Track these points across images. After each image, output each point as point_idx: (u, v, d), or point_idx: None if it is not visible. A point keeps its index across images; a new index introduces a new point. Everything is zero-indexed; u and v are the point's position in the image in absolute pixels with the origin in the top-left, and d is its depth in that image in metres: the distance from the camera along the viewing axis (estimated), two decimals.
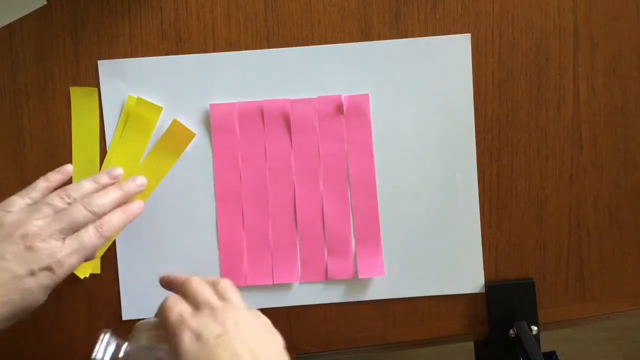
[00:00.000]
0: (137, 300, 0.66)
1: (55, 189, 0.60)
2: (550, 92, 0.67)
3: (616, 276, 0.68)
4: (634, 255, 0.68)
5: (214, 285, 0.53)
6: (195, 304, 0.51)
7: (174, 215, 0.66)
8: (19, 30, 0.66)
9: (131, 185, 0.63)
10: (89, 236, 0.57)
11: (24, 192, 0.59)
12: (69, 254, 0.56)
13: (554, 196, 0.67)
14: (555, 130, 0.67)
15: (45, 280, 0.55)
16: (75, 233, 0.57)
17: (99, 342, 0.54)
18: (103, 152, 0.66)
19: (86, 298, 0.66)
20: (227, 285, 0.53)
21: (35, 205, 0.58)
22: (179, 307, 0.50)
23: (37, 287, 0.54)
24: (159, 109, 0.66)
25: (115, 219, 0.60)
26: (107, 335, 0.54)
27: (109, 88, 0.66)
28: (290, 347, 0.67)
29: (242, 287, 0.66)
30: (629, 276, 0.68)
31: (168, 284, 0.55)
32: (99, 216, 0.59)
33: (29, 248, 0.54)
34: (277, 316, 0.67)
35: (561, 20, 0.66)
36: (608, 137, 0.67)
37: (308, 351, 0.67)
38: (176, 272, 0.56)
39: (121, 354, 0.53)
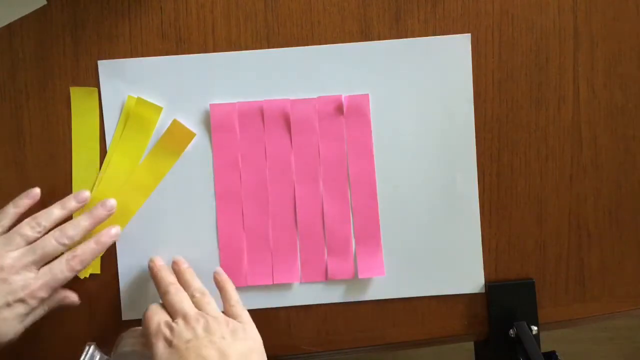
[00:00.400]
0: (137, 300, 0.66)
1: (25, 213, 0.62)
2: (550, 92, 0.67)
3: (616, 276, 0.68)
4: (634, 255, 0.68)
5: (191, 291, 0.59)
6: (173, 313, 0.56)
7: (174, 215, 0.66)
8: (19, 30, 0.66)
9: (101, 211, 0.63)
10: (61, 270, 0.60)
11: None
12: (41, 286, 0.59)
13: (554, 196, 0.67)
14: (555, 130, 0.67)
15: (20, 310, 0.58)
16: (48, 265, 0.60)
17: (83, 354, 0.58)
18: (103, 152, 0.66)
19: (86, 298, 0.66)
20: (202, 292, 0.59)
21: (7, 236, 0.60)
22: (157, 316, 0.56)
23: (12, 317, 0.58)
24: (159, 109, 0.66)
25: (88, 251, 0.62)
26: (92, 348, 0.59)
27: (109, 88, 0.66)
28: (290, 347, 0.68)
29: (242, 287, 0.66)
30: (629, 276, 0.68)
31: (153, 279, 0.61)
32: (69, 247, 0.61)
33: (4, 281, 0.57)
34: (277, 316, 0.67)
35: (561, 20, 0.66)
36: (608, 137, 0.67)
37: (308, 351, 0.67)
38: (163, 268, 0.62)
39: None
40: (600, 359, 1.41)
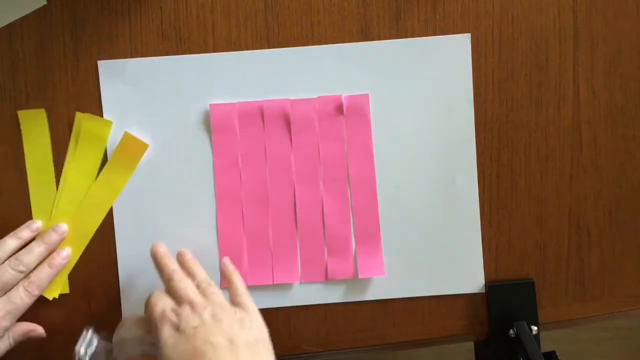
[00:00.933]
0: (137, 300, 0.66)
1: None
2: (550, 92, 0.67)
3: (616, 276, 0.68)
4: (634, 255, 0.68)
5: (197, 281, 0.58)
6: (178, 299, 0.55)
7: (174, 215, 0.66)
8: (19, 30, 0.66)
9: (53, 237, 0.64)
10: (20, 297, 0.61)
11: None
12: (2, 317, 0.60)
13: (554, 196, 0.67)
14: (555, 130, 0.67)
15: None
16: (6, 294, 0.61)
17: (82, 338, 0.58)
18: (58, 172, 0.66)
19: (86, 298, 0.66)
20: (208, 283, 0.57)
21: None
22: (162, 302, 0.55)
23: None
24: (109, 123, 0.66)
25: (43, 275, 0.63)
26: (90, 332, 0.59)
27: (109, 88, 0.66)
28: (290, 347, 0.68)
29: None
30: (629, 276, 0.68)
31: (156, 266, 0.60)
32: (26, 274, 0.63)
33: None
34: (277, 316, 0.67)
35: (561, 20, 0.66)
36: (608, 137, 0.67)
37: (308, 351, 0.67)
38: (166, 255, 0.61)
39: (102, 348, 0.57)
40: (600, 359, 1.41)
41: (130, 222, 0.66)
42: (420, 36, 0.66)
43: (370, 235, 0.66)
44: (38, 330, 0.65)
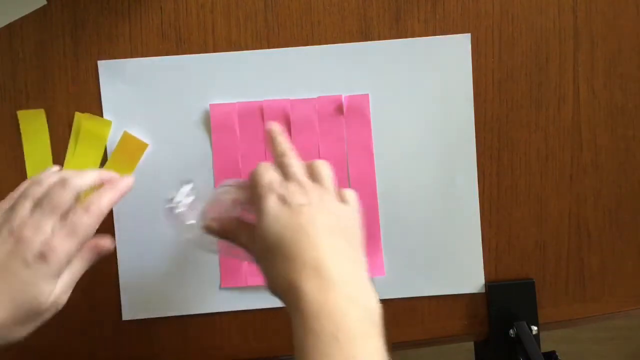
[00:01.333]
0: (137, 300, 0.66)
1: None
2: (550, 92, 0.67)
3: (616, 276, 0.68)
4: (634, 255, 0.68)
5: (308, 167, 0.56)
6: (286, 175, 0.54)
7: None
8: (19, 30, 0.66)
9: (116, 178, 0.58)
10: (78, 217, 0.53)
11: (3, 200, 0.57)
12: (61, 239, 0.52)
13: (554, 196, 0.67)
14: (555, 130, 0.67)
15: (42, 269, 0.51)
16: (63, 217, 0.53)
17: (178, 191, 0.57)
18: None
19: (86, 298, 0.66)
20: (321, 166, 0.56)
21: (13, 204, 0.55)
22: (270, 174, 0.54)
23: (35, 278, 0.51)
24: (108, 123, 0.66)
25: (103, 196, 0.55)
26: (189, 186, 0.58)
27: (109, 88, 0.66)
28: (290, 347, 0.67)
29: (242, 287, 0.66)
30: (629, 276, 0.68)
31: (271, 140, 0.59)
32: (79, 196, 0.55)
33: (18, 240, 0.52)
34: (277, 316, 0.67)
35: (561, 20, 0.66)
36: (608, 137, 0.67)
37: None
38: (282, 133, 0.59)
39: (202, 204, 0.56)
40: (600, 359, 1.41)
41: (130, 222, 0.66)
42: (420, 36, 0.66)
43: (370, 235, 0.66)
44: (105, 242, 0.57)
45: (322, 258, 0.48)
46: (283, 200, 0.51)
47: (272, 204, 0.51)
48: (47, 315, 0.53)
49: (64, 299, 0.54)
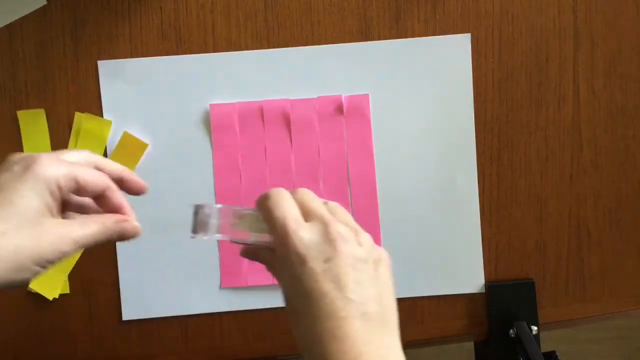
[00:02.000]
0: (137, 300, 0.66)
1: None
2: (550, 92, 0.67)
3: (616, 276, 0.68)
4: (634, 255, 0.68)
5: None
6: (304, 209, 0.44)
7: (174, 215, 0.66)
8: (19, 30, 0.66)
9: (134, 178, 0.51)
10: (77, 152, 0.47)
11: None
12: (48, 157, 0.45)
13: (554, 196, 0.67)
14: (555, 130, 0.67)
15: (24, 176, 0.43)
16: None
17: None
18: None
19: (86, 298, 0.66)
20: (336, 205, 0.47)
21: None
22: (286, 206, 0.44)
23: (13, 182, 0.43)
24: (108, 123, 0.66)
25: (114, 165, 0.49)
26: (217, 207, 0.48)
27: (109, 88, 0.66)
28: (290, 347, 0.67)
29: (242, 287, 0.66)
30: (629, 276, 0.68)
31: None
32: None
33: (32, 174, 0.44)
34: (277, 316, 0.67)
35: (561, 20, 0.66)
36: (608, 137, 0.67)
37: None
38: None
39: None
40: (600, 359, 1.41)
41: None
42: (420, 36, 0.66)
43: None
44: (131, 222, 0.51)
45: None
46: (302, 260, 0.43)
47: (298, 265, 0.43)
48: (46, 247, 0.43)
49: (66, 249, 0.44)
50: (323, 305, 0.42)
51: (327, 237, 0.43)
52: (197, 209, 0.48)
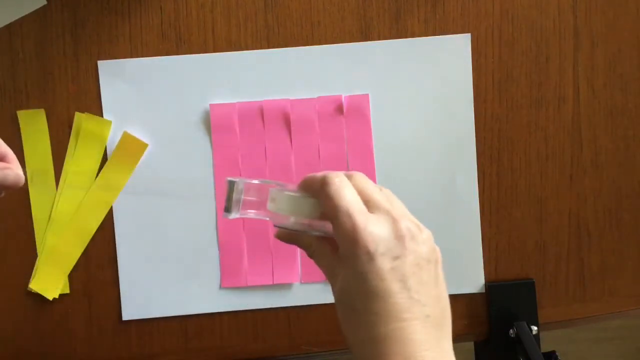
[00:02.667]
0: (137, 300, 0.66)
1: None
2: (550, 92, 0.67)
3: (616, 276, 0.68)
4: (634, 255, 0.68)
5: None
6: (364, 197, 0.43)
7: (174, 215, 0.66)
8: (19, 30, 0.66)
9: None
10: None
11: None
12: None
13: (554, 196, 0.67)
14: (555, 130, 0.67)
15: None
16: None
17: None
18: (58, 172, 0.65)
19: (86, 298, 0.66)
20: (390, 192, 0.46)
21: None
22: (349, 195, 0.41)
23: None
24: (108, 123, 0.66)
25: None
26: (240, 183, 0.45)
27: (109, 88, 0.66)
28: (290, 347, 0.68)
29: (242, 287, 0.66)
30: (629, 276, 0.68)
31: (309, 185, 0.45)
32: None
33: None
34: (277, 316, 0.67)
35: (561, 20, 0.66)
36: (608, 137, 0.67)
37: (308, 351, 0.67)
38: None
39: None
40: (600, 359, 1.41)
41: (130, 222, 0.66)
42: (420, 36, 0.66)
43: None
44: (14, 171, 0.48)
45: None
46: (370, 255, 0.41)
47: (366, 261, 0.41)
48: None
49: None
50: (387, 306, 0.40)
51: (396, 234, 0.42)
52: (231, 185, 0.44)
